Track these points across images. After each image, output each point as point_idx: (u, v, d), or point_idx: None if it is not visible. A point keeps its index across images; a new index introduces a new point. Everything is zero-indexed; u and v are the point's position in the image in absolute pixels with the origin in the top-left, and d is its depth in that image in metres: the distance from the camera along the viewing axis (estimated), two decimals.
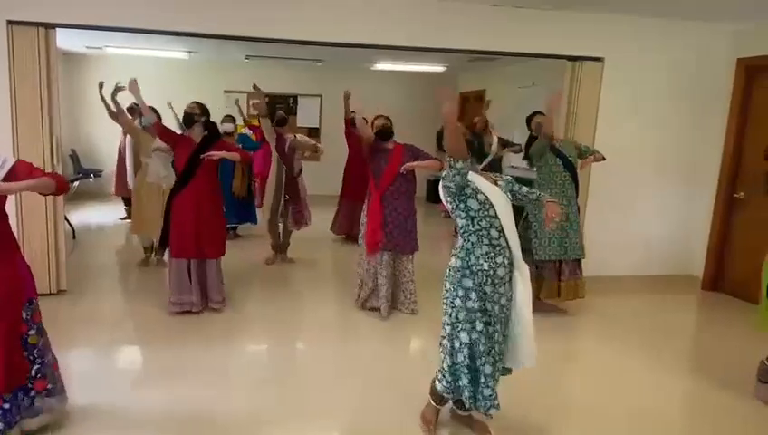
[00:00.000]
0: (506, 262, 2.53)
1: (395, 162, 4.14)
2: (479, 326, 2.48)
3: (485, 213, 2.49)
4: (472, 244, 2.52)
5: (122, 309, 4.30)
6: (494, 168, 6.53)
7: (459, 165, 2.38)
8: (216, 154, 3.87)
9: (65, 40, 6.77)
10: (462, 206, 2.51)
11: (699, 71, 5.23)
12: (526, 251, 4.33)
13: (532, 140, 4.53)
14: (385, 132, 4.26)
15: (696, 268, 5.49)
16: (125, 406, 2.92)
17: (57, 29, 4.10)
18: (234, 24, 4.40)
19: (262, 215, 5.86)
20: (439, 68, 8.78)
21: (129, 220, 6.03)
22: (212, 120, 4.15)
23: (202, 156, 3.85)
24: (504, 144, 6.52)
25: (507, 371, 2.69)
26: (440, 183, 2.54)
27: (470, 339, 2.50)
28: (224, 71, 9.38)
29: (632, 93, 5.13)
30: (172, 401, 2.98)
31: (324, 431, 2.90)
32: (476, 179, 2.52)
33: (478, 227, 2.51)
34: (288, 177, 5.51)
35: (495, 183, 2.60)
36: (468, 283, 2.50)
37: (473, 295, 2.49)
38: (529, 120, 4.60)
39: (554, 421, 2.99)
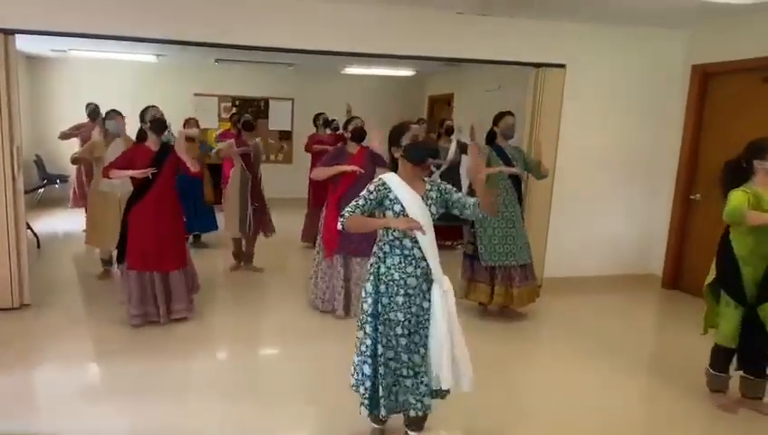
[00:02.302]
0: (419, 272, 2.49)
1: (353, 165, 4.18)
2: (381, 329, 2.49)
3: None
4: (384, 253, 2.52)
5: (87, 323, 4.18)
6: (452, 172, 6.69)
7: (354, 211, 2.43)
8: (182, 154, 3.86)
9: (29, 43, 6.65)
10: (380, 216, 2.51)
11: (656, 76, 5.40)
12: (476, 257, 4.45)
13: (491, 136, 4.47)
14: (361, 134, 4.32)
15: (655, 267, 5.68)
16: (91, 424, 2.90)
17: (17, 35, 4.02)
18: (202, 31, 4.37)
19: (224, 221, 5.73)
20: (408, 72, 8.88)
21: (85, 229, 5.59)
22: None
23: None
24: (463, 148, 6.59)
25: (440, 393, 2.62)
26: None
27: (396, 344, 2.51)
28: (193, 74, 9.31)
29: (593, 99, 5.28)
30: (139, 418, 2.97)
31: None
32: (398, 188, 2.47)
33: (392, 237, 2.49)
34: (253, 183, 5.46)
35: (427, 192, 2.52)
36: (382, 288, 2.49)
37: (383, 300, 2.49)
38: (497, 118, 4.43)
39: (510, 427, 3.04)
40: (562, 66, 5.10)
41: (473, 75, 8.41)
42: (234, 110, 9.69)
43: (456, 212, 2.59)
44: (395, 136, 2.55)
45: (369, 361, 2.51)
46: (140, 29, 4.25)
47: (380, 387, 2.50)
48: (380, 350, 2.50)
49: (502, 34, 4.93)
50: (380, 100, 10.07)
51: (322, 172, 4.25)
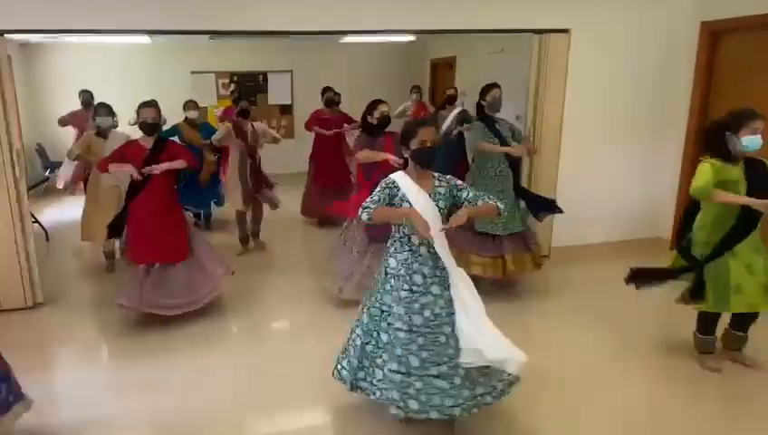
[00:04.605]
0: (426, 271, 2.54)
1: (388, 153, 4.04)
2: (383, 325, 2.62)
3: (408, 220, 2.48)
4: (395, 249, 2.63)
5: (100, 320, 4.22)
6: (456, 139, 6.56)
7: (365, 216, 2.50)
8: (158, 168, 3.76)
9: None
10: None
11: (663, 35, 5.22)
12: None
13: (479, 109, 4.49)
14: (386, 122, 4.22)
15: (664, 231, 5.63)
16: (113, 420, 3.00)
17: (6, 35, 3.94)
18: (190, 20, 4.24)
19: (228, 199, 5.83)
20: (409, 37, 8.63)
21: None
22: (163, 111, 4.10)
23: (145, 170, 3.76)
24: (462, 120, 6.42)
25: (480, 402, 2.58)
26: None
27: (395, 337, 2.58)
28: (189, 52, 9.13)
29: (599, 62, 5.13)
30: (158, 413, 3.06)
31: None
32: (407, 187, 2.54)
33: (402, 233, 2.60)
34: (252, 166, 5.46)
35: (435, 188, 2.58)
36: (392, 282, 2.60)
37: (393, 294, 2.58)
38: (486, 90, 4.41)
39: (515, 401, 3.06)
40: (566, 31, 4.94)
41: (474, 38, 8.15)
42: (232, 86, 9.55)
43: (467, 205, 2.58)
44: (405, 137, 2.61)
45: (357, 342, 2.72)
46: (127, 22, 4.14)
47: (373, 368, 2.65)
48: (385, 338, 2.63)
49: (501, 1, 4.75)
50: (382, 66, 9.88)
51: (371, 155, 4.02)
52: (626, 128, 5.39)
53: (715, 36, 5.03)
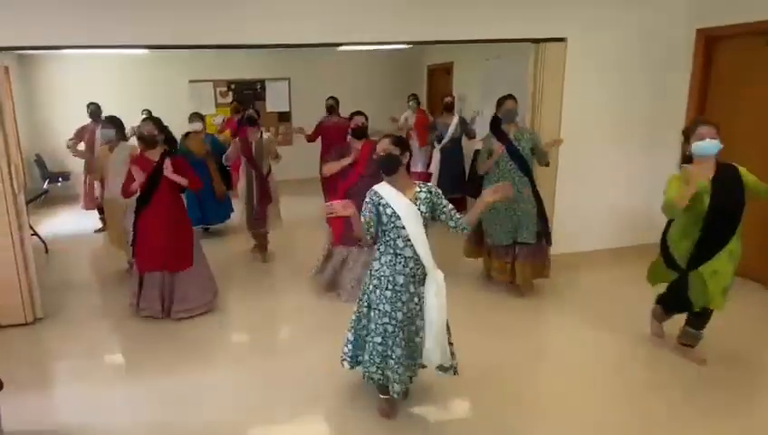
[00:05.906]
0: (407, 271, 2.78)
1: (362, 161, 4.21)
2: (372, 316, 2.86)
3: (392, 224, 2.73)
4: (380, 252, 2.84)
5: (102, 333, 4.20)
6: (454, 145, 6.72)
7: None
8: (172, 176, 3.99)
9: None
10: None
11: (660, 42, 5.24)
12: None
13: (495, 121, 4.54)
14: (361, 132, 4.43)
15: None
16: (114, 434, 2.98)
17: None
18: (197, 35, 4.23)
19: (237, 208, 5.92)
20: (405, 45, 8.65)
21: (106, 231, 6.12)
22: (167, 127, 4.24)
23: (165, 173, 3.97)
24: (464, 125, 6.70)
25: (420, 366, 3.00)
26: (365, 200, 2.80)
27: (383, 330, 2.83)
28: (187, 61, 9.14)
29: (596, 69, 5.14)
30: (160, 424, 3.05)
31: None
32: (387, 195, 2.74)
33: (388, 238, 2.78)
34: (258, 178, 5.43)
35: (416, 193, 2.77)
36: (375, 282, 2.83)
37: (377, 293, 2.83)
38: (500, 102, 4.50)
39: (507, 404, 3.11)
40: (562, 40, 4.95)
41: (472, 44, 8.17)
42: (230, 95, 9.57)
43: (441, 218, 2.83)
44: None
45: (352, 330, 3.04)
46: (128, 38, 4.13)
47: (368, 359, 2.90)
48: (371, 332, 2.89)
49: (498, 12, 4.76)
50: (379, 73, 9.92)
51: (332, 167, 4.41)
52: (624, 134, 5.40)
53: (710, 43, 5.05)
